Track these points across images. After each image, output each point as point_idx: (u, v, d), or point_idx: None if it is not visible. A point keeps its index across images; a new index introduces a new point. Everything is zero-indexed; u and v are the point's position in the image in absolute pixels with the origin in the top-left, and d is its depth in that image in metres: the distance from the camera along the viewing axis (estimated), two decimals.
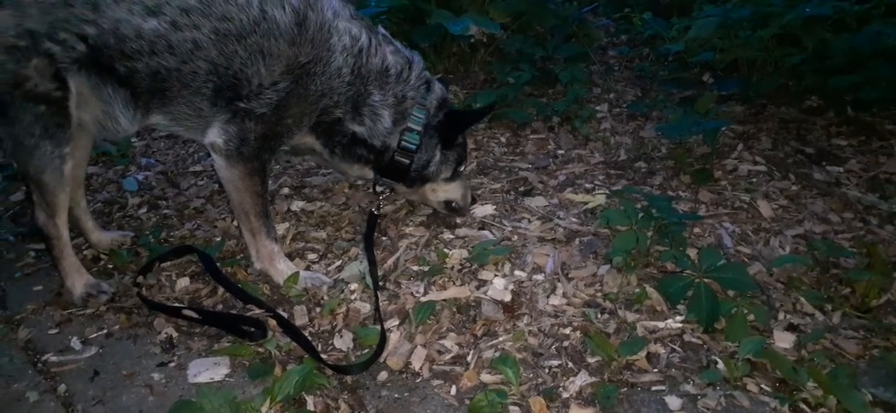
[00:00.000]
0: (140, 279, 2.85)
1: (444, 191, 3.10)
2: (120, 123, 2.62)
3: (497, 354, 2.31)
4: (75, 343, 2.54)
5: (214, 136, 2.65)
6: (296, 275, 2.75)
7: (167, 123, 2.71)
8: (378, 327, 2.45)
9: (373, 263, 2.76)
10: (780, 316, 2.48)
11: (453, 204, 3.12)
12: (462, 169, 3.12)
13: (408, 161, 2.92)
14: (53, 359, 2.47)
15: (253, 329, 2.45)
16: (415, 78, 2.86)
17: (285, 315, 2.57)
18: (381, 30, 2.88)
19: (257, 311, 2.60)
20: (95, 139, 2.97)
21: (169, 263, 2.97)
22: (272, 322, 2.52)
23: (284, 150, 2.92)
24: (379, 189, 3.10)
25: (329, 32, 2.64)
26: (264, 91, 2.59)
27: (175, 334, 2.54)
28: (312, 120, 2.75)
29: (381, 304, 2.59)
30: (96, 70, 2.47)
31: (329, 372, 2.29)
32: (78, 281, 2.74)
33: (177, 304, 2.69)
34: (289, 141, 2.79)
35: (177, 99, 2.59)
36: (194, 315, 2.59)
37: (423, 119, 2.89)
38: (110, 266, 3.01)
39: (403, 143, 2.88)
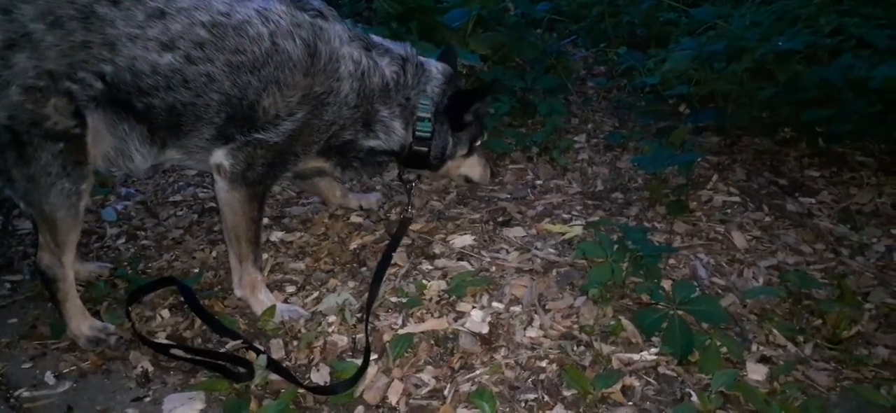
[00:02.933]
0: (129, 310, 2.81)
1: (464, 167, 3.27)
2: (133, 161, 2.62)
3: (474, 388, 2.32)
4: (49, 378, 2.52)
5: (221, 158, 2.67)
6: (273, 308, 2.75)
7: (181, 158, 2.72)
8: (356, 361, 2.45)
9: (379, 280, 2.81)
10: (754, 348, 2.51)
11: (474, 178, 3.36)
12: (478, 143, 3.25)
13: (426, 149, 3.01)
14: (26, 394, 2.45)
15: (243, 369, 2.44)
16: (411, 76, 2.92)
17: (262, 349, 2.57)
18: (372, 37, 2.90)
19: (232, 343, 2.60)
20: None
21: (150, 295, 2.95)
22: (252, 356, 2.52)
23: (287, 176, 2.99)
24: (405, 178, 3.34)
25: (337, 62, 2.70)
26: (282, 121, 2.63)
27: (151, 369, 2.53)
28: (320, 146, 2.81)
29: (359, 336, 2.59)
30: (112, 107, 2.47)
31: (307, 406, 2.28)
32: (83, 324, 2.68)
33: (157, 340, 2.67)
34: (294, 168, 2.85)
35: (191, 132, 2.60)
36: (183, 354, 2.57)
37: (431, 106, 2.96)
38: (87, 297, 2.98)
39: (418, 133, 2.97)
